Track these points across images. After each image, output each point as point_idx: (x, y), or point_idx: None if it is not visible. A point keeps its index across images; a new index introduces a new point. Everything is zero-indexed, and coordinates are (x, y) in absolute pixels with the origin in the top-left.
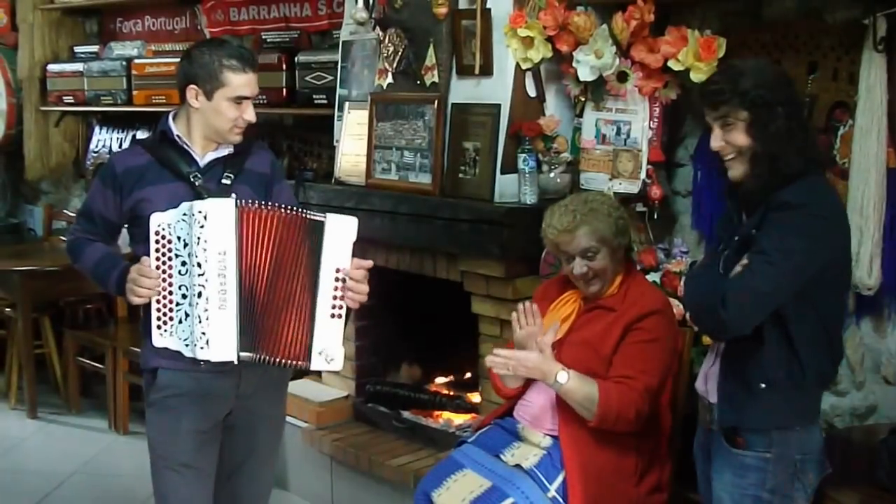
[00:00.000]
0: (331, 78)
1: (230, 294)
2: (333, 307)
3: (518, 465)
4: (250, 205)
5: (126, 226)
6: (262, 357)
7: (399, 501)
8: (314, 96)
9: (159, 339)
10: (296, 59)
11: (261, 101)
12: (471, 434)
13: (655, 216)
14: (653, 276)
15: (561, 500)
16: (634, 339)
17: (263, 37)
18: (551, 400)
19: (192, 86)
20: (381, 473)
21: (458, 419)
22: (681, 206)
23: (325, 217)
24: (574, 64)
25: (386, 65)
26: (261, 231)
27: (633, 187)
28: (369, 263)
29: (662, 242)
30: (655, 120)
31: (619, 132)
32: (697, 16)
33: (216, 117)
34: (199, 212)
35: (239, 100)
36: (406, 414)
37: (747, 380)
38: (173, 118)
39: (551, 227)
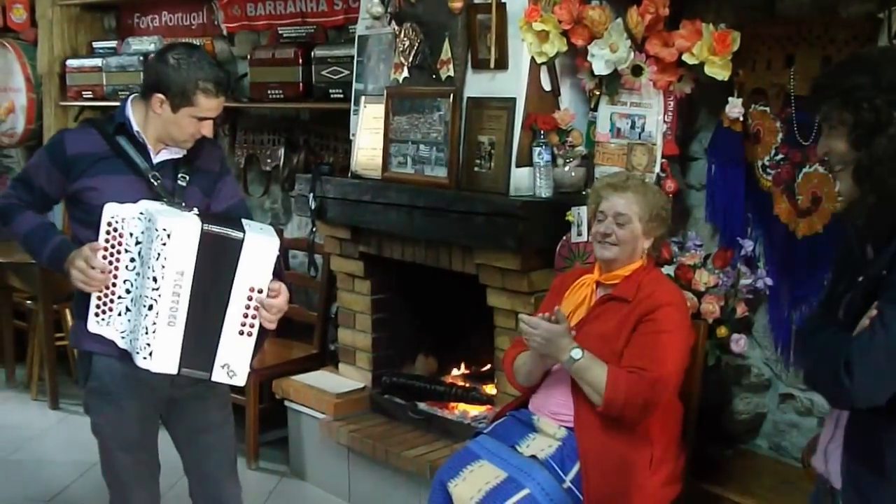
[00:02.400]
0: (347, 72)
1: (181, 313)
2: (243, 325)
3: (533, 456)
4: (213, 227)
5: (66, 203)
6: (203, 374)
7: (415, 491)
8: (330, 91)
9: (95, 326)
10: (312, 53)
11: (277, 96)
12: (486, 425)
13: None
14: (667, 270)
15: (576, 490)
16: (646, 329)
17: (280, 31)
18: (566, 392)
19: (160, 95)
20: (397, 464)
21: (474, 411)
22: (695, 199)
23: (243, 235)
24: (589, 58)
25: (401, 59)
26: (213, 251)
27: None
28: (282, 287)
29: (676, 236)
30: (670, 114)
31: (633, 126)
32: (712, 10)
33: (175, 128)
34: (164, 229)
35: (202, 119)
36: (422, 405)
37: (881, 463)
38: (131, 107)
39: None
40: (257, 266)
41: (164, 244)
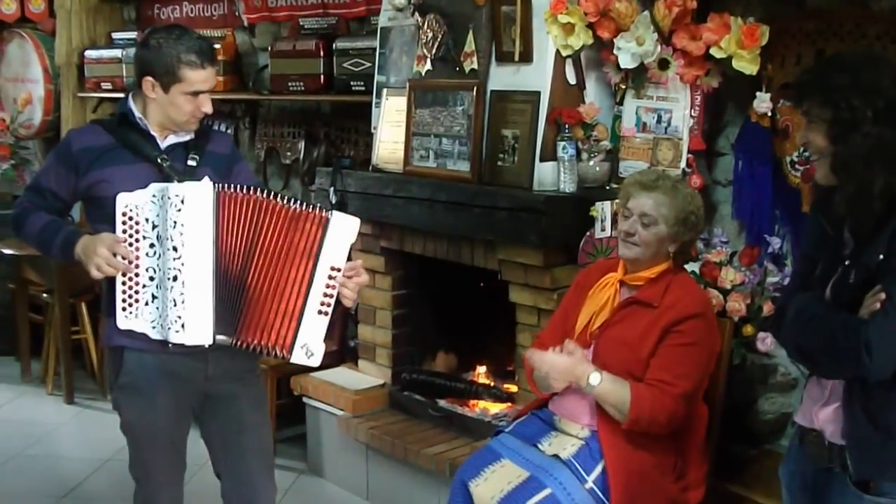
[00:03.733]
0: (369, 64)
1: (207, 278)
2: (322, 304)
3: (556, 456)
4: (228, 189)
5: (83, 206)
6: (240, 341)
7: (434, 490)
8: (352, 83)
9: (124, 322)
10: (333, 45)
11: (298, 89)
12: (508, 423)
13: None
14: (692, 266)
15: (598, 491)
16: (673, 342)
17: (301, 23)
18: (584, 396)
19: (148, 77)
20: (416, 462)
21: (495, 408)
22: (721, 195)
23: (331, 214)
24: (615, 51)
25: (425, 51)
26: (239, 216)
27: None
28: (360, 262)
29: (702, 232)
30: (696, 108)
31: (659, 120)
32: (740, 3)
33: (172, 109)
34: (176, 195)
35: (196, 93)
36: (442, 403)
37: (887, 426)
38: (132, 100)
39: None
40: (339, 246)
41: (179, 210)
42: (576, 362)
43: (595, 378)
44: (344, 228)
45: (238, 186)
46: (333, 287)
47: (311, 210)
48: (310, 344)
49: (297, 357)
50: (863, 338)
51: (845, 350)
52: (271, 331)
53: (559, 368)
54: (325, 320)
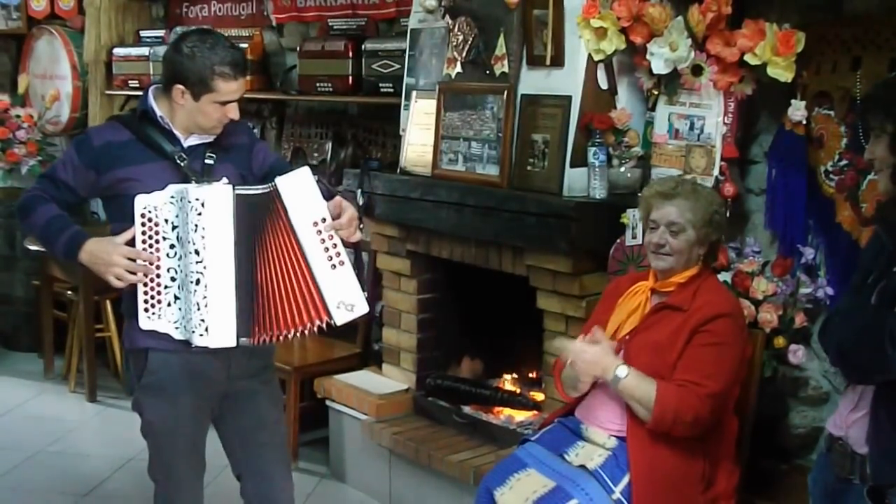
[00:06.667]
0: (398, 66)
1: (228, 281)
2: (330, 258)
3: (582, 466)
4: (246, 190)
5: (104, 205)
6: (266, 338)
7: (458, 498)
8: (380, 85)
9: (147, 322)
10: (362, 46)
11: (326, 89)
12: (534, 432)
13: (727, 214)
14: (723, 276)
15: (625, 502)
16: (700, 341)
17: (330, 23)
18: (613, 400)
19: (180, 85)
20: (440, 469)
21: (520, 416)
22: (753, 204)
23: (273, 184)
24: (648, 56)
25: (455, 54)
26: (255, 215)
27: (705, 184)
28: (338, 200)
29: (734, 241)
30: (730, 115)
31: (692, 127)
32: (776, 9)
33: (200, 116)
34: (196, 199)
35: (225, 102)
36: (467, 409)
37: None
38: (154, 97)
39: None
40: (304, 200)
41: (200, 214)
42: (605, 352)
43: (622, 370)
44: (295, 184)
45: (255, 188)
46: (330, 237)
47: (264, 190)
48: (344, 299)
49: (340, 317)
50: (887, 328)
51: (871, 340)
52: (301, 313)
53: (586, 358)
54: (346, 269)
